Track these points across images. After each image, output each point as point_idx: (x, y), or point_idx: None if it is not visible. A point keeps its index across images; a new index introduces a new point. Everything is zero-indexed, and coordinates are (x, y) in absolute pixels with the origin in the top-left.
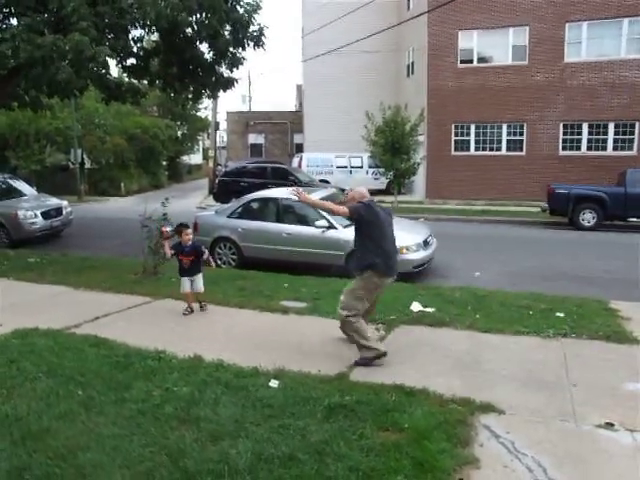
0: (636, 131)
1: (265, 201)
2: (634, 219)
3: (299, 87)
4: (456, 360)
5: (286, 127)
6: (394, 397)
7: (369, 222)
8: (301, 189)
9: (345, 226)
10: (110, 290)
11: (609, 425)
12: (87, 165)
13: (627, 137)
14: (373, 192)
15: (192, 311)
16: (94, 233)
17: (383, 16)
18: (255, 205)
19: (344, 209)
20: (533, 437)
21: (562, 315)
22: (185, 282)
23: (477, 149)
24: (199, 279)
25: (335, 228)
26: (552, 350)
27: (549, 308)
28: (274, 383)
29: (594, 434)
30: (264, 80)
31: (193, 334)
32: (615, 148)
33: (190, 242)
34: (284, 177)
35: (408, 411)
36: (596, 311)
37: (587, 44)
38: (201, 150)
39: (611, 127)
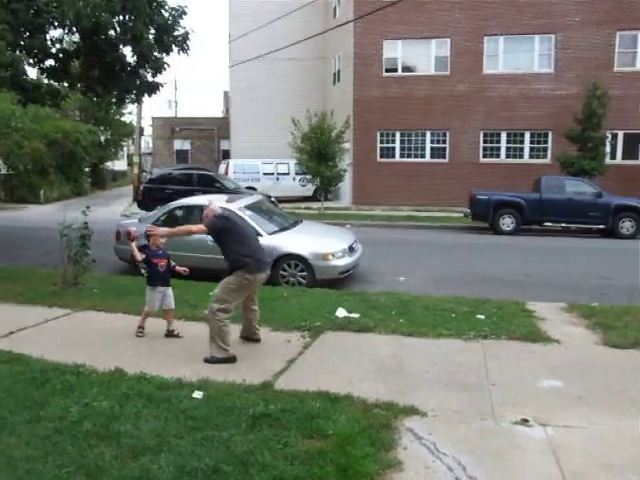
0: (549, 140)
1: (189, 208)
2: (549, 223)
3: (226, 93)
4: (380, 365)
5: (213, 133)
6: (319, 404)
7: (229, 230)
8: (156, 227)
9: (270, 233)
10: (27, 302)
11: (524, 421)
12: (3, 171)
13: (542, 146)
14: (300, 199)
15: (144, 334)
16: (11, 242)
17: (310, 23)
18: (179, 212)
19: (202, 227)
20: (454, 437)
21: (483, 317)
22: (156, 295)
23: (402, 156)
24: (171, 292)
25: (261, 235)
26: (473, 352)
27: (470, 311)
28: (198, 394)
29: (511, 431)
30: (191, 85)
31: (115, 347)
32: (531, 156)
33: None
34: (210, 184)
35: (332, 418)
36: (514, 312)
37: (504, 57)
38: (126, 156)
39: (527, 136)
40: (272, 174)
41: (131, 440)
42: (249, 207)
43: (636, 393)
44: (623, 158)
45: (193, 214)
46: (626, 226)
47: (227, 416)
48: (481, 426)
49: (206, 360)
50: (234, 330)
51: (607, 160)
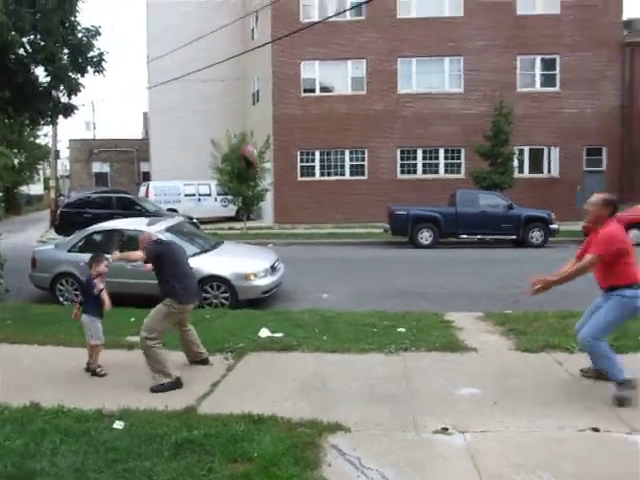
0: (462, 156)
1: (108, 233)
2: (465, 236)
3: (145, 114)
4: (304, 383)
5: (132, 155)
6: (243, 427)
7: (165, 257)
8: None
9: (192, 255)
10: None
11: (444, 430)
12: None
13: (456, 161)
14: (223, 219)
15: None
16: None
17: (229, 44)
18: (97, 237)
19: (139, 254)
20: (377, 450)
21: (403, 330)
22: (99, 326)
23: (322, 174)
24: None
25: None
26: (394, 364)
27: (391, 324)
28: (119, 424)
29: (431, 440)
30: (109, 107)
31: (29, 380)
32: (446, 171)
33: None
34: (130, 207)
35: (257, 439)
36: (433, 324)
37: (417, 78)
38: (42, 180)
39: (442, 152)
40: (194, 195)
41: (48, 478)
42: (170, 230)
43: (546, 395)
44: (530, 172)
45: (112, 239)
46: (535, 236)
47: (149, 445)
48: (403, 438)
49: (153, 390)
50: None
51: (516, 174)
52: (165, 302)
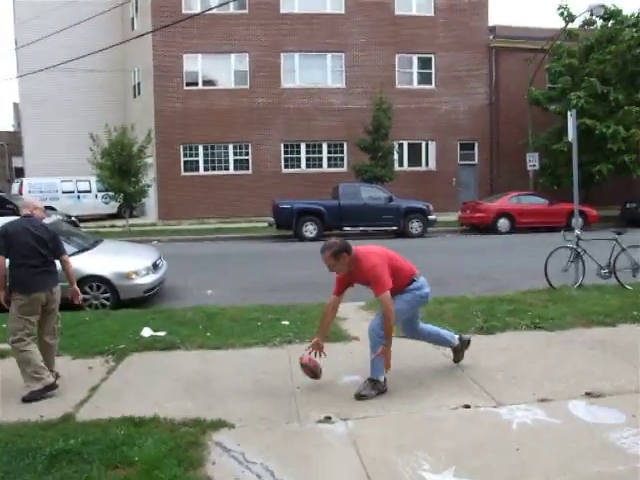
0: (345, 150)
1: None
2: (348, 228)
3: (16, 105)
4: (188, 382)
5: (3, 149)
6: (123, 431)
7: (7, 246)
8: None
9: (71, 254)
10: None
11: (327, 419)
12: None
13: (338, 155)
14: (104, 217)
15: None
16: None
17: (107, 33)
18: None
19: None
20: (262, 444)
21: (287, 323)
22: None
23: (206, 169)
24: None
25: None
26: (279, 358)
27: (276, 318)
28: None
29: (315, 430)
30: None
31: None
32: (329, 165)
33: None
34: (2, 205)
35: (138, 443)
36: (318, 315)
37: (300, 72)
38: None
39: (325, 147)
40: (72, 192)
41: None
42: None
43: (425, 378)
44: (409, 165)
45: None
46: (415, 226)
47: (21, 460)
48: (287, 430)
49: (25, 399)
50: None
51: (396, 167)
52: (14, 298)
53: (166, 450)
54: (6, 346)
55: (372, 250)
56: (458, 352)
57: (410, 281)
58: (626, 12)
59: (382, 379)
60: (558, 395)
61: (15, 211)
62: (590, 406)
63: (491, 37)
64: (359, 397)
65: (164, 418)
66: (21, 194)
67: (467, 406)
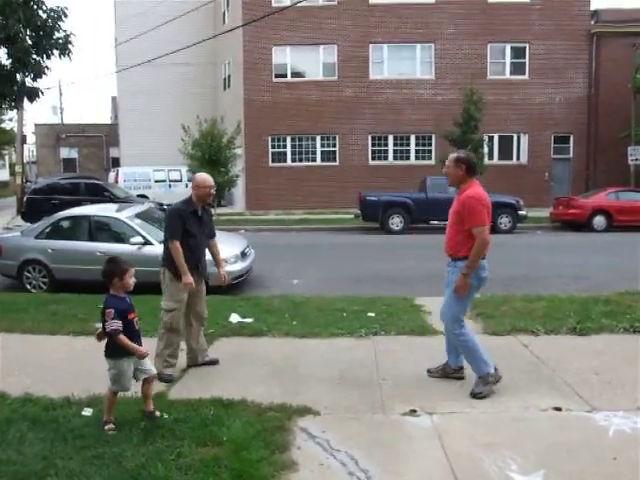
0: (433, 143)
1: (76, 219)
2: (435, 221)
3: (114, 99)
4: (274, 368)
5: (101, 140)
6: (213, 411)
7: None
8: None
9: (161, 241)
10: None
11: (412, 412)
12: None
13: (426, 148)
14: None
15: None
16: None
17: (199, 28)
18: (65, 224)
19: None
20: (346, 433)
21: (373, 315)
22: (128, 367)
23: (293, 160)
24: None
25: (152, 244)
26: (364, 348)
27: (361, 309)
28: (87, 412)
29: (400, 422)
30: (77, 91)
31: None
32: (417, 158)
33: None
34: (99, 193)
35: (226, 424)
36: (403, 308)
37: (388, 64)
38: (7, 166)
39: (413, 139)
40: (164, 181)
41: (14, 467)
42: (139, 215)
43: (513, 376)
44: (499, 159)
45: (81, 225)
46: (504, 222)
47: (119, 431)
48: (372, 420)
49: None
50: None
51: (486, 160)
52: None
53: (253, 432)
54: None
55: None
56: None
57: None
58: None
59: (491, 371)
60: None
61: (111, 198)
62: None
63: (593, 22)
64: (474, 395)
65: (251, 401)
66: (117, 183)
67: (558, 408)
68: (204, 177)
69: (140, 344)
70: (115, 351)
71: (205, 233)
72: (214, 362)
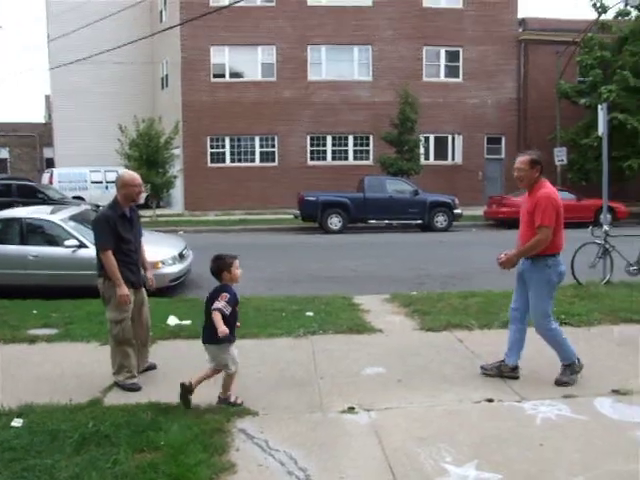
0: (371, 143)
1: (7, 222)
2: (373, 221)
3: (48, 97)
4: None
5: (34, 140)
6: (150, 416)
7: None
8: None
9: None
10: None
11: (350, 409)
12: None
13: (364, 148)
14: None
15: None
16: None
17: (136, 26)
18: None
19: None
20: (285, 433)
21: (312, 314)
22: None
23: (232, 161)
24: None
25: (87, 247)
26: (302, 348)
27: (300, 309)
28: (17, 422)
29: (338, 420)
30: (6, 88)
31: None
32: (355, 158)
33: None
34: (32, 195)
35: (164, 428)
36: (341, 307)
37: (326, 65)
38: None
39: (351, 140)
40: (101, 182)
41: None
42: (74, 218)
43: (448, 371)
44: (435, 159)
45: (12, 228)
46: (440, 220)
47: (51, 442)
48: (310, 419)
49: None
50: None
51: (422, 161)
52: None
53: (191, 436)
54: (37, 331)
55: (555, 190)
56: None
57: (553, 254)
58: None
59: (576, 360)
60: (584, 391)
61: (45, 200)
62: (617, 403)
63: (520, 30)
64: (561, 384)
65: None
66: (51, 184)
67: (490, 400)
68: (132, 175)
69: (234, 335)
70: (221, 338)
71: (138, 235)
72: (151, 367)
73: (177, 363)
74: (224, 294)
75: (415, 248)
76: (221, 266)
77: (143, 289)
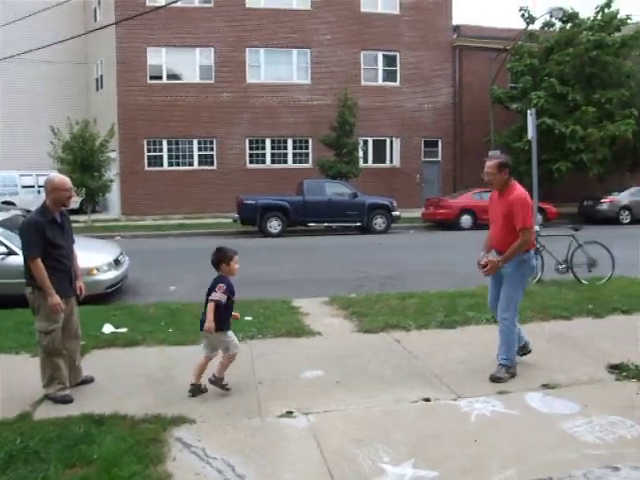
0: (310, 146)
1: None
2: (313, 224)
3: None
4: (149, 378)
5: None
6: (82, 429)
7: None
8: None
9: None
10: None
11: (289, 413)
12: None
13: (303, 151)
14: (66, 212)
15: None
16: None
17: (70, 25)
18: None
19: None
20: (222, 440)
21: (250, 318)
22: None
23: (170, 164)
24: None
25: (16, 254)
26: (240, 353)
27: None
28: None
29: (277, 424)
30: None
31: None
32: (294, 161)
33: None
34: None
35: (97, 441)
36: (281, 311)
37: (265, 68)
38: None
39: (290, 143)
40: (32, 187)
41: None
42: (2, 224)
43: (386, 372)
44: (374, 161)
45: None
46: (378, 222)
47: None
48: (248, 425)
49: None
50: None
51: (361, 164)
52: None
53: (126, 447)
54: None
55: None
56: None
57: (530, 248)
58: (582, 16)
59: (515, 363)
60: (516, 387)
61: None
62: (546, 397)
63: (455, 36)
64: (495, 380)
65: (124, 415)
66: None
67: (427, 399)
68: (62, 179)
69: (230, 322)
70: (223, 325)
71: (70, 241)
72: (87, 381)
73: (112, 373)
74: (221, 285)
75: (354, 250)
76: (222, 258)
77: (74, 298)
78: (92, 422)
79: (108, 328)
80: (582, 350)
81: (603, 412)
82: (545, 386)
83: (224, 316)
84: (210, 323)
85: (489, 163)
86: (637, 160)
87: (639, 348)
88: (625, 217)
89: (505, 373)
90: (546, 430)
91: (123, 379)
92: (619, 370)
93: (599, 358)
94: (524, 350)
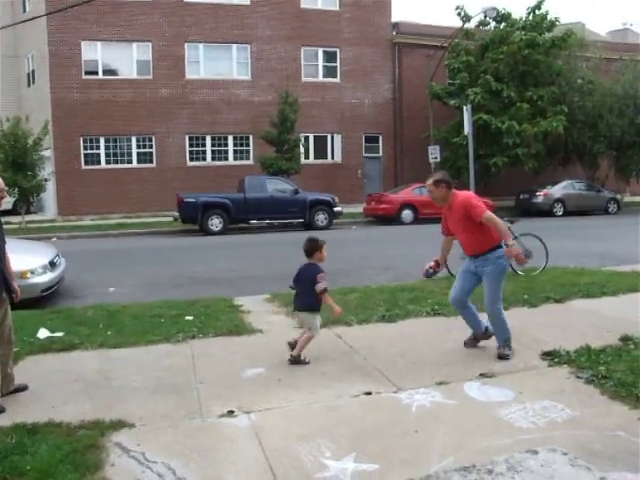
0: (251, 143)
1: None
2: (254, 221)
3: None
4: (86, 383)
5: None
6: (14, 439)
7: None
8: None
9: None
10: None
11: (230, 412)
12: None
13: (244, 148)
14: None
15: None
16: None
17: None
18: None
19: None
20: (163, 443)
21: (191, 318)
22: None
23: (108, 162)
24: None
25: None
26: (181, 354)
27: (179, 313)
28: None
29: (218, 424)
30: None
31: None
32: (235, 158)
33: None
34: None
35: (30, 451)
36: (222, 309)
37: (205, 64)
38: None
39: (230, 140)
40: None
41: None
42: None
43: (327, 367)
44: (315, 158)
45: None
46: (320, 218)
47: None
48: (189, 426)
49: None
50: None
51: (302, 160)
52: None
53: (61, 456)
54: None
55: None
56: (478, 340)
57: (499, 245)
58: (514, 16)
59: (510, 336)
60: (455, 377)
61: None
62: (483, 386)
63: (394, 33)
64: (503, 357)
65: (60, 422)
66: None
67: (368, 393)
68: None
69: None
70: (318, 306)
71: (2, 242)
72: (21, 389)
73: (47, 379)
74: (322, 274)
75: (296, 247)
76: (315, 247)
77: (7, 301)
78: (25, 432)
79: (44, 333)
80: (517, 339)
81: (536, 398)
82: (483, 375)
83: (321, 300)
84: (337, 307)
85: (427, 183)
86: (568, 155)
87: (569, 335)
88: (559, 209)
89: (508, 350)
90: (483, 418)
91: (59, 385)
92: (551, 357)
93: (533, 346)
94: (486, 335)
